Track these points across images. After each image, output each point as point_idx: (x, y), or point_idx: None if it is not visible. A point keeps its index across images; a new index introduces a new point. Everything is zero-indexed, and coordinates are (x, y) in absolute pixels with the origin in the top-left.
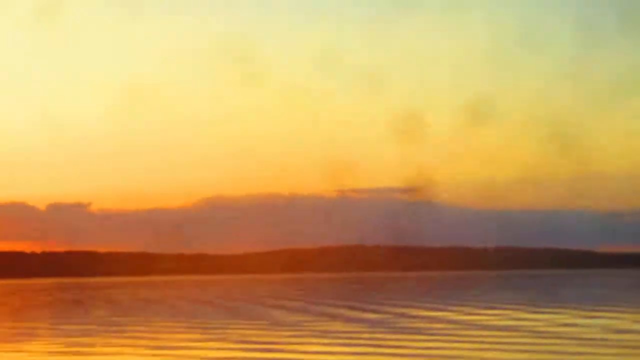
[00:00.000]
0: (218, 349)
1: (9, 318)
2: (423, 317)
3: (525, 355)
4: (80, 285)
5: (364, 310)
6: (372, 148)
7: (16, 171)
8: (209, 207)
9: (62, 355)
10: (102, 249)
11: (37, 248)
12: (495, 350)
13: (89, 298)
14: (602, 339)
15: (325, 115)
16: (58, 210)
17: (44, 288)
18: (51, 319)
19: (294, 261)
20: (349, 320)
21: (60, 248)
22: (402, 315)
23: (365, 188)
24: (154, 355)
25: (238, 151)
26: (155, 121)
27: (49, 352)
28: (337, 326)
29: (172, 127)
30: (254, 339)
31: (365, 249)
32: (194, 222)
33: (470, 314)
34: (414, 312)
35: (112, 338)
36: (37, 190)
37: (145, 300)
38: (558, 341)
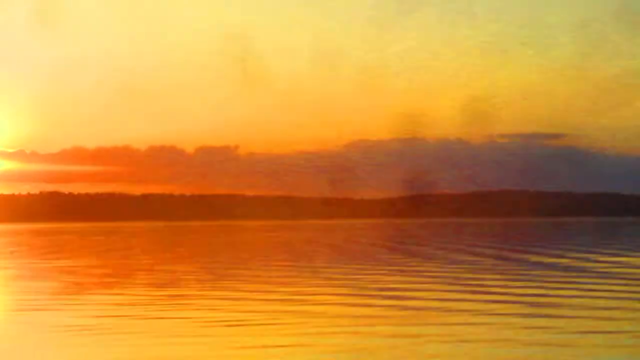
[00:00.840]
0: (436, 290)
1: (197, 260)
2: (614, 263)
3: None
4: (238, 228)
5: (546, 255)
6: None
7: (166, 115)
8: (355, 150)
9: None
10: (249, 192)
11: (186, 190)
12: None
13: (257, 241)
14: None
15: None
16: (206, 154)
17: (199, 230)
18: (240, 262)
19: (439, 206)
20: (545, 265)
21: (208, 191)
22: (588, 260)
23: (512, 133)
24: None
25: (381, 98)
26: (300, 67)
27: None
28: (541, 271)
29: (319, 74)
30: (473, 282)
31: (512, 194)
32: (340, 166)
33: None
34: (598, 257)
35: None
36: (187, 133)
37: (319, 244)
38: None
